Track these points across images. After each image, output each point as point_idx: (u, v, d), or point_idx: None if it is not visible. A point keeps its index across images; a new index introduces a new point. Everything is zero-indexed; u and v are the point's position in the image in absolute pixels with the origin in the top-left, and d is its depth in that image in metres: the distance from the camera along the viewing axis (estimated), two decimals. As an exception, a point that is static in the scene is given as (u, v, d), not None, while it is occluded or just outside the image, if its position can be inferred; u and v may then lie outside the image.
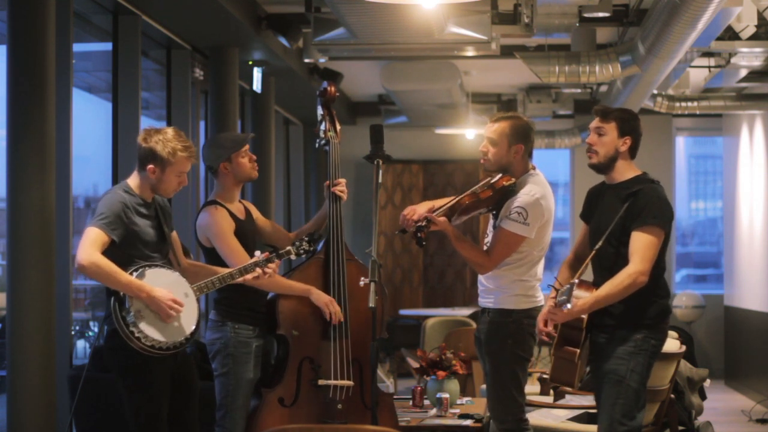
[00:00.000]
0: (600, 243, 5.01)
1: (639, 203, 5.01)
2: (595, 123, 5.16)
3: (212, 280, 5.21)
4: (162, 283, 4.99)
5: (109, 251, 4.95)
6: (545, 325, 5.08)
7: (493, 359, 5.38)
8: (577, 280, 4.86)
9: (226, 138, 5.78)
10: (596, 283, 5.04)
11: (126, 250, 5.02)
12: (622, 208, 5.02)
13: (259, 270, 5.26)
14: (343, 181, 5.84)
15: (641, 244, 4.96)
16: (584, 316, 4.98)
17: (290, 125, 13.88)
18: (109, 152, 8.14)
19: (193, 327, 5.07)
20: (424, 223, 5.20)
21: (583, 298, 4.92)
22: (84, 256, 4.89)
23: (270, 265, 5.29)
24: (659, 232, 4.99)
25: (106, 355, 5.11)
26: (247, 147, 5.69)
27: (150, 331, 4.93)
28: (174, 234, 5.31)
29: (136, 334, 4.90)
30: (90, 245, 4.90)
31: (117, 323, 4.92)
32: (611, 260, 5.03)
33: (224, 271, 5.29)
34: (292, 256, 5.48)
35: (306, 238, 5.50)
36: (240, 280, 5.27)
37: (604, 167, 5.15)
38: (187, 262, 5.38)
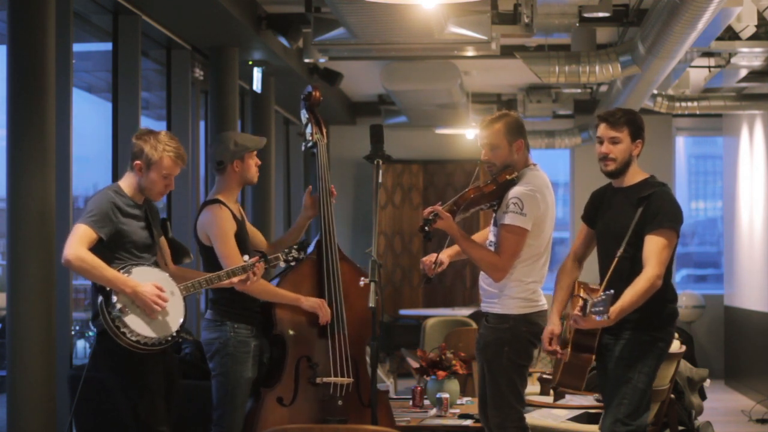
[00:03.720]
0: (621, 250, 4.99)
1: (653, 207, 5.01)
2: (605, 132, 5.13)
3: (199, 280, 5.24)
4: (148, 280, 5.02)
5: (98, 249, 4.98)
6: (550, 343, 5.08)
7: (490, 367, 5.36)
8: (612, 292, 4.80)
9: (244, 137, 5.79)
10: (607, 288, 5.01)
11: (114, 248, 5.05)
12: (634, 212, 5.01)
13: (248, 273, 5.29)
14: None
15: (656, 248, 4.95)
16: None
17: (290, 125, 13.88)
18: (109, 152, 8.14)
19: (180, 324, 5.09)
20: (431, 217, 5.22)
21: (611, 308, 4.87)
22: (70, 251, 4.93)
23: (258, 266, 5.30)
24: (672, 236, 5.00)
25: (98, 357, 5.13)
26: (256, 151, 5.74)
27: (135, 326, 4.95)
28: (162, 240, 5.33)
29: (122, 329, 4.92)
30: (77, 241, 4.94)
31: (103, 318, 4.95)
32: (627, 266, 5.01)
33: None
34: (281, 264, 5.50)
35: (296, 246, 5.54)
36: (227, 282, 5.29)
37: (619, 173, 5.14)
38: (175, 267, 5.40)
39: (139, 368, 5.04)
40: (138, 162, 5.14)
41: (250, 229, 5.91)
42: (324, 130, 5.97)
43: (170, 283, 5.11)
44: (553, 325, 5.12)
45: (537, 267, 5.38)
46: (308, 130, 5.95)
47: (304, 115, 5.99)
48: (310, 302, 5.68)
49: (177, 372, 5.34)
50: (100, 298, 4.97)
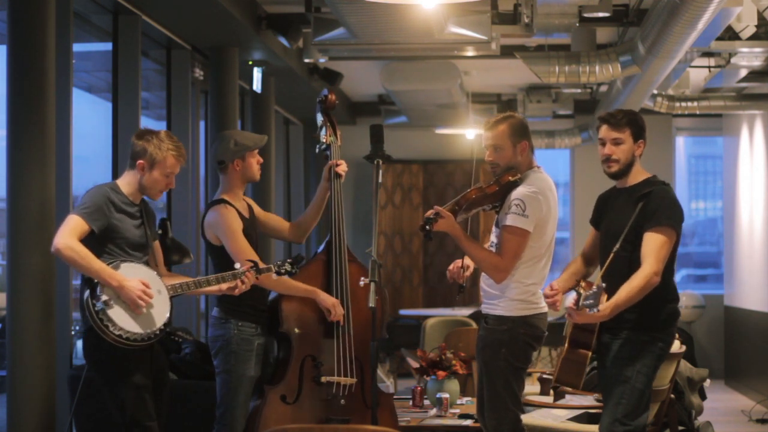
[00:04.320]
0: (618, 245, 4.99)
1: (652, 205, 5.00)
2: (607, 133, 5.12)
3: (187, 282, 5.25)
4: (135, 276, 5.03)
5: (88, 241, 5.00)
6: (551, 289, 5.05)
7: (487, 368, 5.36)
8: (604, 284, 4.81)
9: (244, 135, 5.81)
10: (606, 287, 4.99)
11: (105, 242, 5.07)
12: (634, 210, 5.01)
13: (236, 281, 5.29)
14: (343, 161, 5.93)
15: (655, 245, 4.95)
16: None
17: (290, 125, 13.89)
18: (109, 152, 8.14)
19: (164, 321, 5.09)
20: (432, 216, 5.23)
21: (604, 303, 4.88)
22: (60, 239, 4.96)
23: (248, 275, 5.31)
24: (672, 233, 4.99)
25: (85, 354, 5.16)
26: (258, 149, 5.75)
27: (118, 320, 4.95)
28: (156, 244, 5.34)
29: (105, 322, 4.94)
30: (68, 231, 4.98)
31: (87, 311, 4.97)
32: (625, 263, 5.00)
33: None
34: (273, 275, 5.50)
35: (289, 260, 5.54)
36: (215, 287, 5.29)
37: (622, 174, 5.14)
38: (167, 273, 5.42)
39: (124, 364, 5.04)
40: (141, 161, 5.17)
41: (266, 215, 5.94)
42: (338, 133, 5.99)
43: (158, 281, 5.13)
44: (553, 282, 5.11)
45: (537, 269, 5.37)
46: (322, 132, 5.98)
47: (319, 118, 6.02)
48: (326, 299, 5.71)
49: (166, 369, 5.34)
50: (87, 293, 4.98)
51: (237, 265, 5.35)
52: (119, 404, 5.08)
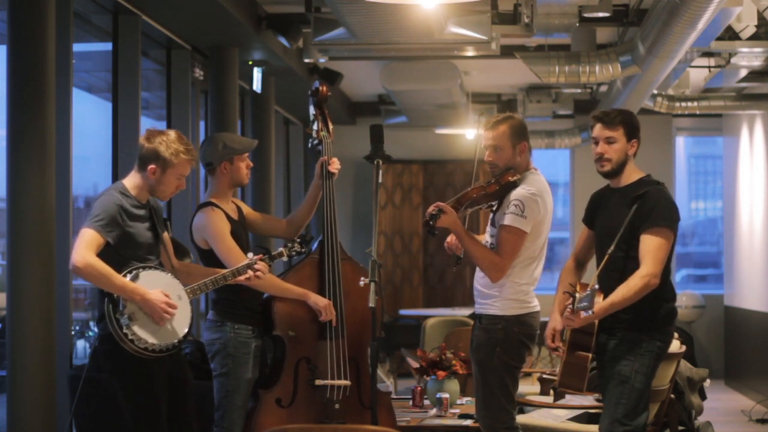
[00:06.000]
0: (612, 247, 5.00)
1: (647, 206, 5.01)
2: (601, 131, 5.13)
3: (205, 282, 5.21)
4: (156, 285, 4.98)
5: (104, 253, 4.93)
6: (552, 340, 5.11)
7: (481, 367, 5.36)
8: (597, 286, 4.84)
9: (233, 139, 5.78)
10: (602, 287, 5.02)
11: (121, 251, 5.00)
12: (629, 211, 5.02)
13: (250, 272, 5.27)
14: (336, 159, 5.87)
15: (652, 246, 4.96)
16: (596, 321, 4.98)
17: (290, 125, 13.88)
18: (109, 152, 8.14)
19: (186, 329, 5.06)
20: (435, 212, 5.23)
21: (598, 303, 4.90)
22: (78, 257, 4.87)
23: (261, 265, 5.29)
24: (669, 234, 5.00)
25: (101, 359, 5.10)
26: (248, 153, 5.72)
27: (143, 334, 4.92)
28: (165, 235, 5.28)
29: (130, 337, 4.90)
30: (85, 247, 4.89)
31: (110, 325, 4.91)
32: (621, 264, 5.02)
33: (217, 272, 5.30)
34: (284, 258, 5.48)
35: (298, 240, 5.52)
36: (232, 281, 5.27)
37: (615, 173, 5.15)
38: (178, 263, 5.37)
39: (143, 371, 5.01)
40: (153, 166, 5.07)
41: (256, 215, 5.90)
42: (331, 128, 5.93)
43: (177, 287, 5.08)
44: (554, 322, 5.14)
45: (530, 270, 5.39)
46: (314, 127, 5.93)
47: (311, 111, 5.96)
48: (317, 300, 5.68)
49: (189, 377, 5.28)
50: (107, 301, 4.93)
51: (250, 255, 5.33)
52: (134, 412, 5.02)
